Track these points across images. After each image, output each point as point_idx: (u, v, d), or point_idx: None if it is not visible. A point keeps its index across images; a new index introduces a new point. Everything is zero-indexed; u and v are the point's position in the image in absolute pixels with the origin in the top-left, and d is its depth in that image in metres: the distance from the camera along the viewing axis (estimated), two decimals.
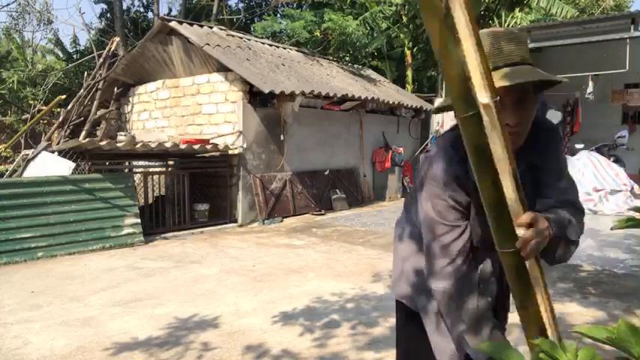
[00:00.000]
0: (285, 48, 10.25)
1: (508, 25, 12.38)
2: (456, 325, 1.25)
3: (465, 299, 1.24)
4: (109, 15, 16.37)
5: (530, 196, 1.22)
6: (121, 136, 8.12)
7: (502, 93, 1.09)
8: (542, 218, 1.05)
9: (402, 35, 13.00)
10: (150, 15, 17.08)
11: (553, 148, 1.32)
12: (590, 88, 9.78)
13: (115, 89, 9.19)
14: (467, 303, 1.23)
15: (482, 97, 0.91)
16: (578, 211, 1.27)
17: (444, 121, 10.38)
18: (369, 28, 12.12)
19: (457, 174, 1.21)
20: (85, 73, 10.06)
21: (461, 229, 1.25)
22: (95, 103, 8.64)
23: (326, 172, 8.71)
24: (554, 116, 11.94)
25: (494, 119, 0.92)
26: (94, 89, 8.61)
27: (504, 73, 1.13)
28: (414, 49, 13.81)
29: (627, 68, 8.44)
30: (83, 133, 8.22)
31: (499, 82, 1.07)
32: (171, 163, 6.83)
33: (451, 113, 1.07)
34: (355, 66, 11.99)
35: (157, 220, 6.52)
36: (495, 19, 11.75)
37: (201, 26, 8.23)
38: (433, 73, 15.86)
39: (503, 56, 1.16)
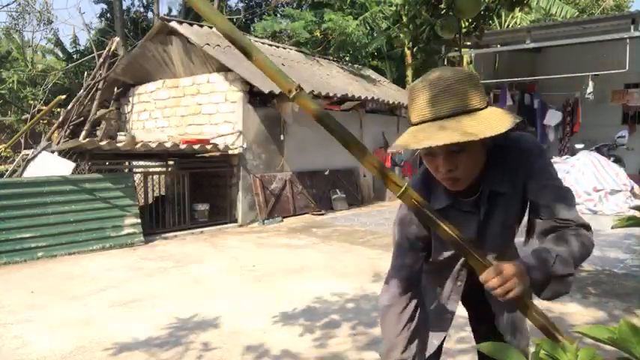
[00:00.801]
0: (285, 48, 10.25)
1: (508, 26, 12.38)
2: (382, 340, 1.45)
3: (385, 326, 1.41)
4: (109, 15, 16.38)
5: (497, 225, 1.30)
6: (121, 136, 8.13)
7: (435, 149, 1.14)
8: (508, 267, 1.05)
9: (402, 35, 12.96)
10: (150, 15, 17.09)
11: (528, 171, 1.25)
12: (590, 88, 9.77)
13: (115, 89, 9.18)
14: (386, 331, 1.41)
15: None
16: (578, 229, 1.24)
17: None
18: (369, 28, 12.12)
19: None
20: (85, 73, 10.06)
21: (410, 260, 1.39)
22: (95, 103, 8.63)
23: (326, 172, 8.71)
24: (554, 116, 11.95)
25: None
26: (94, 89, 8.61)
27: (411, 132, 1.15)
28: (414, 49, 13.76)
29: (627, 68, 8.43)
30: (83, 133, 8.22)
31: (407, 141, 1.13)
32: (171, 163, 6.83)
33: None
34: (355, 66, 11.99)
35: (157, 220, 6.51)
36: (495, 19, 11.75)
37: (201, 26, 8.23)
38: None
39: (416, 113, 1.16)
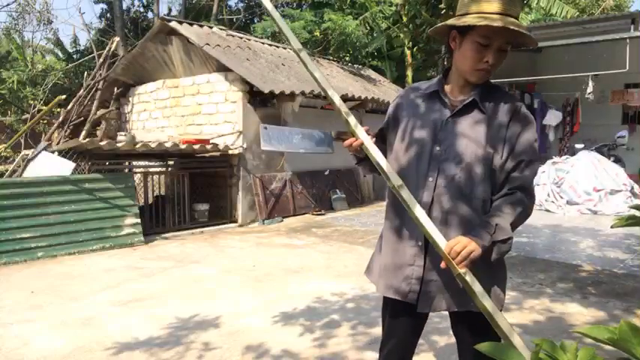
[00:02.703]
0: (285, 48, 10.25)
1: None
2: None
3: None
4: (109, 15, 16.37)
5: (461, 133, 1.47)
6: (121, 136, 8.12)
7: (492, 35, 1.40)
8: (462, 241, 1.30)
9: (402, 35, 12.99)
10: (150, 15, 17.09)
11: (518, 136, 1.45)
12: (590, 88, 9.76)
13: (115, 89, 9.18)
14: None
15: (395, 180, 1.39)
16: (525, 197, 1.43)
17: None
18: (369, 28, 12.12)
19: None
20: (85, 73, 10.05)
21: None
22: (95, 103, 8.63)
23: (326, 172, 8.71)
24: (554, 116, 11.95)
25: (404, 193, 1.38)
26: (94, 89, 8.61)
27: (483, 17, 1.39)
28: (414, 49, 13.79)
29: (627, 68, 8.43)
30: (83, 133, 8.22)
31: (496, 22, 1.37)
32: (171, 163, 6.83)
33: None
34: (355, 66, 11.99)
35: (157, 220, 6.51)
36: None
37: (201, 26, 8.23)
38: (433, 73, 15.85)
39: (496, 4, 1.40)
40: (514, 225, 1.39)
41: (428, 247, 1.45)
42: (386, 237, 1.61)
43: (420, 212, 1.35)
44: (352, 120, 1.49)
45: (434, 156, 1.47)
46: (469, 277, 1.29)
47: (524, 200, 1.42)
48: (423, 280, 1.48)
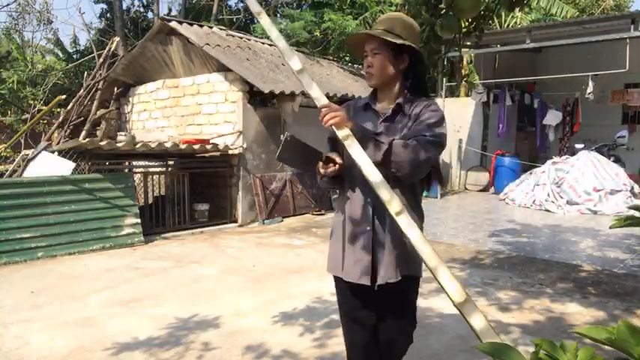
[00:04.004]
0: None
1: (508, 26, 12.37)
2: None
3: None
4: (109, 15, 16.36)
5: (395, 133, 1.77)
6: (121, 136, 8.11)
7: (366, 46, 1.81)
8: (336, 107, 1.62)
9: None
10: (150, 15, 17.08)
11: (422, 113, 1.79)
12: (590, 88, 9.76)
13: (115, 89, 9.18)
14: None
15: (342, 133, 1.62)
16: (411, 141, 1.69)
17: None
18: (368, 28, 12.11)
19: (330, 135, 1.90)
20: (85, 73, 10.06)
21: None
22: (95, 103, 8.63)
23: None
24: (554, 116, 11.94)
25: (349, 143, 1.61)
26: (94, 89, 8.61)
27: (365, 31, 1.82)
28: None
29: (627, 68, 8.43)
30: (83, 133, 8.22)
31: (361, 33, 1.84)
32: (171, 163, 6.83)
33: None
34: (355, 66, 11.98)
35: (157, 220, 6.51)
36: (495, 19, 11.75)
37: (201, 26, 8.23)
38: (433, 73, 15.84)
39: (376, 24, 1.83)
40: (396, 149, 1.64)
41: (376, 234, 1.79)
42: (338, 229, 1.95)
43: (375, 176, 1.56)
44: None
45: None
46: (404, 218, 1.47)
47: (414, 141, 1.68)
48: (378, 262, 1.78)
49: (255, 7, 1.78)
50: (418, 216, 1.85)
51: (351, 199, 1.87)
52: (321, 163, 1.79)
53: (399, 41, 1.73)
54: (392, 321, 1.87)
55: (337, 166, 1.76)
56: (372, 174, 1.53)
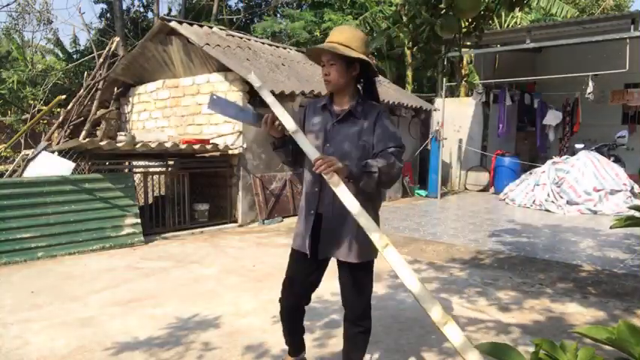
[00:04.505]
0: (285, 48, 10.25)
1: (508, 26, 12.38)
2: None
3: None
4: (109, 15, 16.37)
5: (345, 132, 2.11)
6: (121, 136, 8.11)
7: (322, 57, 2.10)
8: (331, 158, 1.86)
9: (402, 35, 12.98)
10: (150, 15, 17.08)
11: (382, 128, 2.08)
12: (590, 88, 9.77)
13: (115, 89, 9.18)
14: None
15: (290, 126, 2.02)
16: (389, 157, 1.98)
17: (444, 121, 10.37)
18: (368, 28, 12.12)
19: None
20: (85, 73, 10.06)
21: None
22: (95, 103, 8.63)
23: None
24: (554, 116, 11.95)
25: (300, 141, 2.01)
26: (94, 89, 8.61)
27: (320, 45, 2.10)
28: (414, 49, 13.78)
29: (627, 68, 8.43)
30: (83, 133, 8.22)
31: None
32: (171, 163, 6.83)
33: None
34: None
35: (157, 220, 6.51)
36: (495, 19, 11.75)
37: (201, 26, 8.23)
38: (433, 73, 15.84)
39: (328, 38, 2.11)
40: (382, 170, 1.92)
41: (322, 214, 2.13)
42: (300, 208, 2.29)
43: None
44: (279, 109, 2.06)
45: (325, 150, 2.09)
46: (360, 215, 1.76)
47: (391, 157, 1.98)
48: (320, 237, 2.14)
49: (256, 83, 2.17)
50: (371, 204, 2.12)
51: (306, 181, 2.24)
52: (270, 116, 2.08)
53: (352, 54, 2.02)
54: (349, 289, 2.29)
55: (277, 122, 2.06)
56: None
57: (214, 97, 2.19)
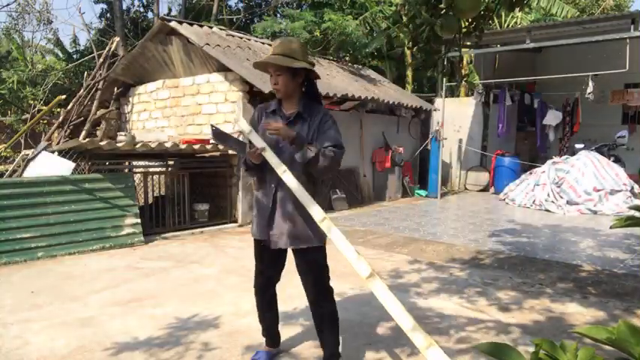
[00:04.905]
0: None
1: (508, 26, 12.38)
2: None
3: None
4: (109, 15, 16.36)
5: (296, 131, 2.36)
6: (121, 136, 8.11)
7: (269, 69, 2.43)
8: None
9: (402, 35, 12.96)
10: (150, 15, 17.07)
11: (324, 126, 2.40)
12: (590, 88, 9.77)
13: (115, 89, 9.18)
14: None
15: (258, 144, 2.37)
16: (329, 152, 2.31)
17: (444, 121, 10.37)
18: (368, 28, 12.11)
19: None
20: (85, 73, 10.06)
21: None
22: (95, 103, 8.63)
23: None
24: (554, 116, 11.95)
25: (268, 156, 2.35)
26: (94, 89, 8.61)
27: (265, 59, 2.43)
28: (414, 49, 13.77)
29: (627, 68, 8.43)
30: (83, 133, 8.22)
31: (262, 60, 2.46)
32: (171, 163, 6.82)
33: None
34: (355, 66, 11.98)
35: (157, 220, 6.51)
36: (495, 19, 11.75)
37: (201, 26, 8.23)
38: (433, 73, 15.84)
39: (271, 50, 2.48)
40: (323, 152, 2.28)
41: (275, 210, 2.43)
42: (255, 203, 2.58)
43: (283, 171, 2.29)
44: (246, 127, 2.43)
45: (278, 149, 2.37)
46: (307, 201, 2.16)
47: (332, 152, 2.30)
48: (272, 229, 2.44)
49: (245, 127, 2.44)
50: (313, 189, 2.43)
51: (263, 182, 2.51)
52: (248, 145, 2.41)
53: (295, 64, 2.32)
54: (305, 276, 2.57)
55: (258, 150, 2.32)
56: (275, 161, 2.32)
57: (214, 128, 2.48)
